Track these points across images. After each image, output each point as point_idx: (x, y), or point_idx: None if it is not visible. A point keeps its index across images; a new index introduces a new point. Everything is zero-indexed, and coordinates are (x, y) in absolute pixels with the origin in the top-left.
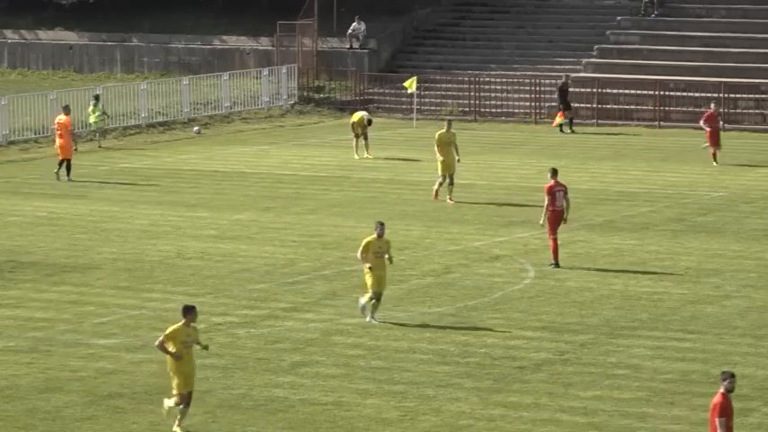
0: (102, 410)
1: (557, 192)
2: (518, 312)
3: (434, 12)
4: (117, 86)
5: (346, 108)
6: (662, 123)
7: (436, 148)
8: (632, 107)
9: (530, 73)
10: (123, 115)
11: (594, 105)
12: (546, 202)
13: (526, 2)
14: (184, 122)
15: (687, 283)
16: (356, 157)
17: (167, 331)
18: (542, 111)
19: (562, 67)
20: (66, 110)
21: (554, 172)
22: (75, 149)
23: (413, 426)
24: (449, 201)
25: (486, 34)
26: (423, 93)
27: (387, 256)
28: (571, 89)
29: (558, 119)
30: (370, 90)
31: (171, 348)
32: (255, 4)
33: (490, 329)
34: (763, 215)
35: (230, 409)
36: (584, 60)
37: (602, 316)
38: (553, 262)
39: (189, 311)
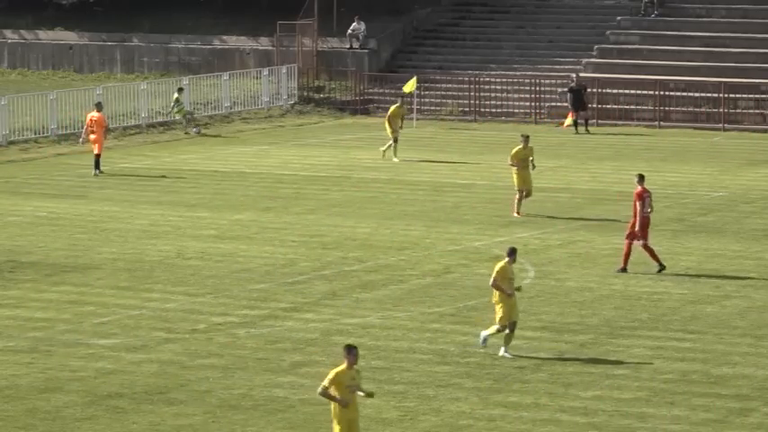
0: (102, 410)
1: (646, 197)
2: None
3: (434, 12)
4: (117, 86)
5: (346, 108)
6: (662, 123)
7: (511, 162)
8: (632, 107)
9: (530, 73)
10: (123, 115)
11: (594, 105)
12: (637, 208)
13: (526, 2)
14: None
15: (687, 283)
16: (396, 159)
17: (330, 375)
18: (542, 111)
19: (562, 67)
20: (99, 107)
21: (641, 178)
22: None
23: (413, 426)
24: (516, 214)
25: (486, 34)
26: (423, 93)
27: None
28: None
29: (569, 119)
30: (370, 90)
31: (335, 393)
32: (255, 4)
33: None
34: (763, 215)
35: (230, 409)
36: (585, 60)
37: (602, 316)
38: (659, 266)
39: (352, 351)
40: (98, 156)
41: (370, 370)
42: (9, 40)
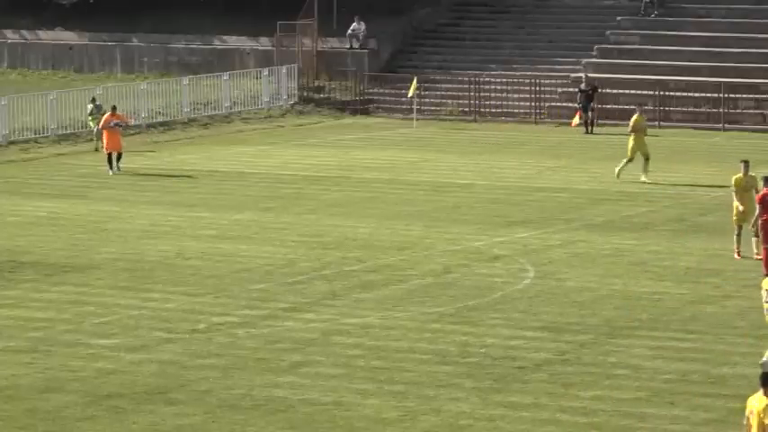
0: (102, 410)
1: None
2: (518, 312)
3: (434, 12)
4: (117, 86)
5: (346, 108)
6: (662, 123)
7: (734, 195)
8: (632, 107)
9: (530, 73)
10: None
11: (594, 105)
12: (757, 211)
13: (526, 2)
14: (184, 122)
15: (687, 283)
16: (645, 179)
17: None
18: (542, 111)
19: (562, 67)
20: (114, 109)
21: (767, 180)
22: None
23: (413, 426)
24: (756, 257)
25: (486, 34)
26: (423, 93)
27: None
28: (571, 89)
29: (576, 118)
30: (370, 90)
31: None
32: (255, 4)
33: (490, 329)
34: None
35: (230, 409)
36: (584, 60)
37: (602, 316)
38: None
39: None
40: (119, 153)
41: (370, 370)
42: (9, 40)
